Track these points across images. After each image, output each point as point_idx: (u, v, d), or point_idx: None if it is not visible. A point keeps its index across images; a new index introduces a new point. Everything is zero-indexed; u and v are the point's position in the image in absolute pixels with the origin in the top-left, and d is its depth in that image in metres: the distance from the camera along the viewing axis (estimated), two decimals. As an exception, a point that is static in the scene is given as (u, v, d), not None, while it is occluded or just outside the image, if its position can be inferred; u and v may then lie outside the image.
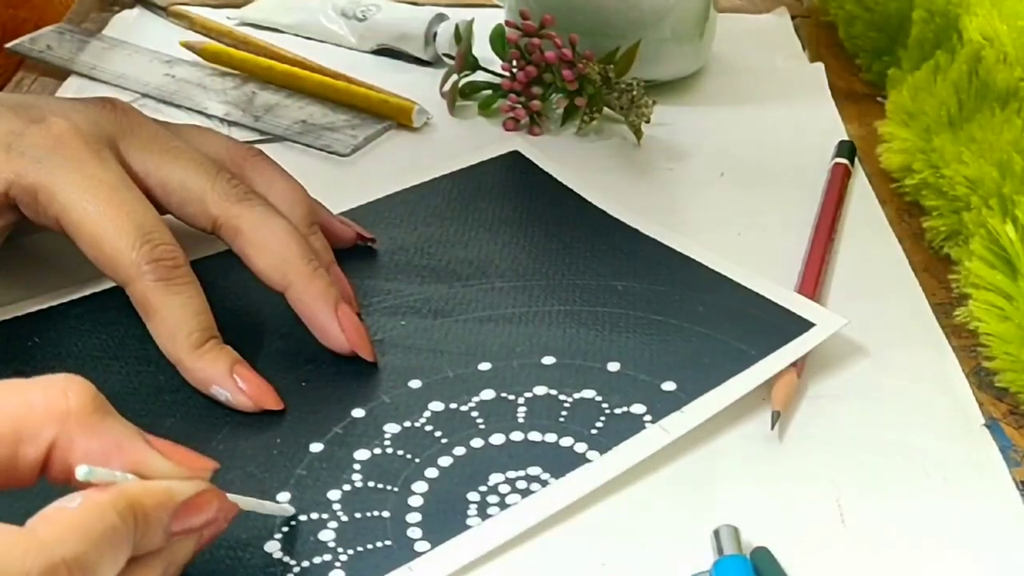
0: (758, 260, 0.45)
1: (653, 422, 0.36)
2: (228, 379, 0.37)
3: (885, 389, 0.39)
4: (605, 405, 0.37)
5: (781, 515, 0.34)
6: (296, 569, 0.31)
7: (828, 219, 0.47)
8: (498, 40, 0.57)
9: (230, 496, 0.30)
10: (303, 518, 0.33)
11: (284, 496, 0.34)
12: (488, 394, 0.38)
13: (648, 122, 0.52)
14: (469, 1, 0.69)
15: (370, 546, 0.32)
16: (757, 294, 0.42)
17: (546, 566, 0.32)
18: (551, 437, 0.36)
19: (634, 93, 0.52)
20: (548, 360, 0.39)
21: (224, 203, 0.39)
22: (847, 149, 0.53)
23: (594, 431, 0.36)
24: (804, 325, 0.40)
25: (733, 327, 0.40)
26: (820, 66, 0.62)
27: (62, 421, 0.27)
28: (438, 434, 0.36)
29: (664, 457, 0.36)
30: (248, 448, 0.35)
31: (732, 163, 0.53)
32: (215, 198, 0.39)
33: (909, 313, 0.43)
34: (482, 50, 0.57)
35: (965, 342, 0.42)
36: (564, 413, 0.37)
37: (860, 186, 0.52)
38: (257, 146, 0.44)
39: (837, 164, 0.51)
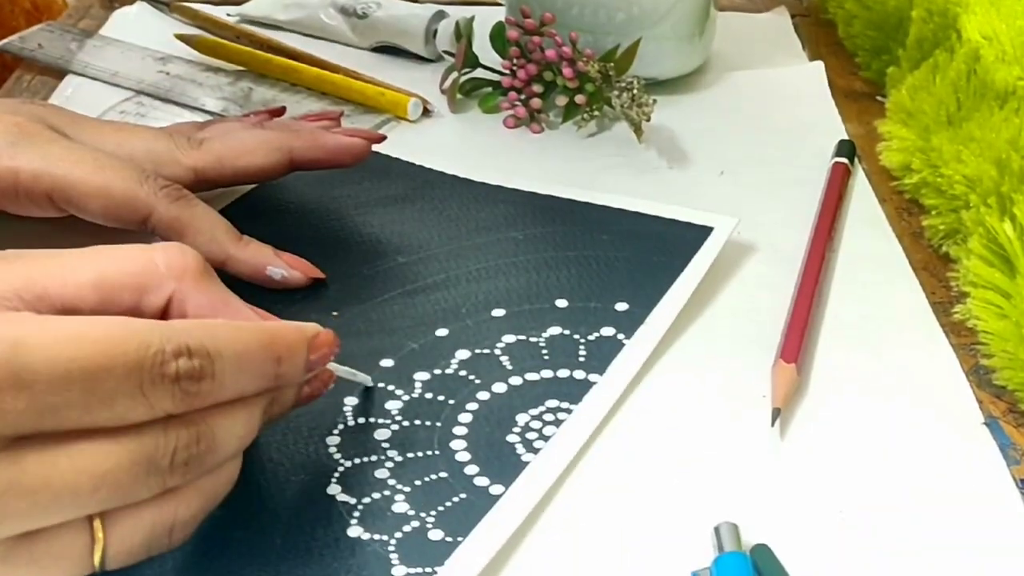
0: (757, 258, 0.46)
1: (628, 338, 0.39)
2: (278, 259, 0.41)
3: (884, 387, 0.39)
4: (577, 336, 0.40)
5: (781, 512, 0.34)
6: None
7: (828, 217, 0.47)
8: (498, 38, 0.57)
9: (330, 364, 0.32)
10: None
11: (335, 488, 0.34)
12: (463, 354, 0.39)
13: (649, 120, 0.52)
14: (469, -2, 0.69)
15: (448, 503, 0.33)
16: (649, 215, 0.46)
17: (545, 564, 0.32)
18: (547, 373, 0.38)
19: (635, 91, 0.52)
20: (498, 312, 0.41)
21: (193, 152, 0.43)
22: (847, 148, 0.53)
23: (581, 359, 0.39)
24: (704, 231, 0.44)
25: (645, 247, 0.44)
26: (820, 65, 0.62)
27: (180, 277, 0.30)
28: (441, 398, 0.37)
29: (664, 454, 0.36)
30: (267, 448, 0.35)
31: (732, 161, 0.53)
32: (185, 152, 0.43)
33: (908, 311, 0.43)
34: (482, 48, 0.57)
35: (964, 340, 0.42)
36: (544, 352, 0.39)
37: (860, 184, 0.52)
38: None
39: (837, 163, 0.51)
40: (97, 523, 0.27)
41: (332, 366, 0.33)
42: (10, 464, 0.25)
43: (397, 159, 0.50)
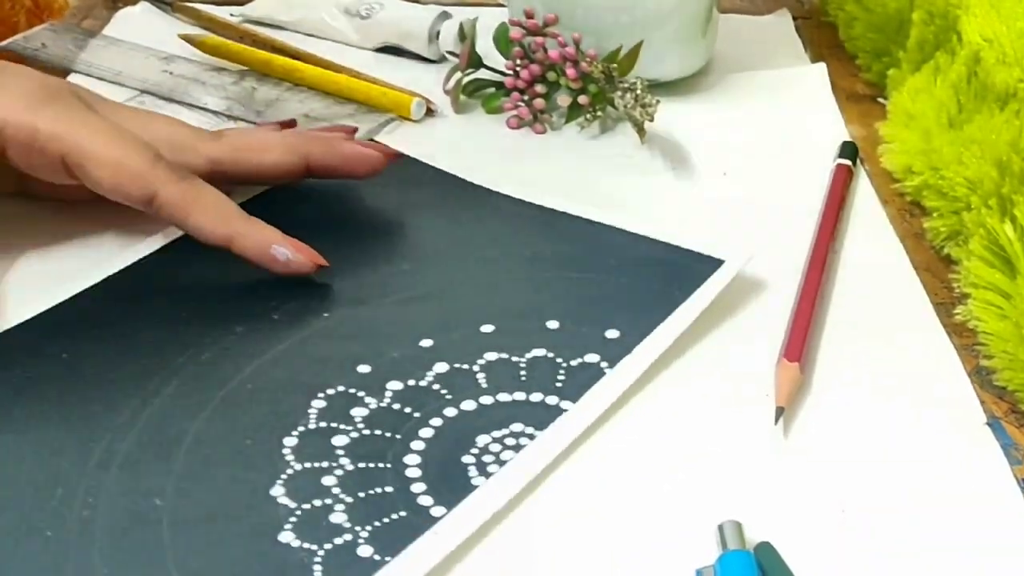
0: (760, 259, 0.46)
1: (610, 367, 0.38)
2: (285, 239, 0.41)
3: (887, 386, 0.39)
4: (560, 360, 0.39)
5: (785, 510, 0.34)
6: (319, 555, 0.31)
7: (830, 219, 0.48)
8: (502, 38, 0.57)
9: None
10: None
11: (279, 491, 0.33)
12: (442, 367, 0.38)
13: (652, 121, 0.52)
14: (472, -1, 0.69)
15: (386, 519, 0.33)
16: (661, 241, 0.44)
17: (552, 560, 0.33)
18: (520, 396, 0.37)
19: (638, 92, 0.52)
20: (487, 328, 0.40)
21: (211, 142, 0.44)
22: (849, 150, 0.53)
23: (559, 384, 0.38)
24: (715, 263, 0.43)
25: (650, 274, 0.43)
26: (822, 66, 0.62)
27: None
28: (408, 410, 0.37)
29: (668, 452, 0.36)
30: (224, 442, 0.35)
31: (734, 163, 0.53)
32: (204, 141, 0.43)
33: (910, 312, 0.44)
34: (486, 48, 0.57)
35: (966, 341, 0.42)
36: (523, 373, 0.38)
37: (862, 186, 0.52)
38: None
39: (839, 165, 0.52)
40: None
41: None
42: None
43: (426, 165, 0.49)
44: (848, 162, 0.52)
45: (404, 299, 0.42)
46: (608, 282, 0.43)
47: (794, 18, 0.70)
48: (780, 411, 0.37)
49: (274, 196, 0.47)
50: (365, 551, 0.31)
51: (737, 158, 0.54)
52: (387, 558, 0.31)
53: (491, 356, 0.39)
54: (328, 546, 0.31)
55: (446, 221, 0.47)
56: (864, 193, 0.51)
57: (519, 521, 0.33)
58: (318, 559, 0.31)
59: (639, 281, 0.42)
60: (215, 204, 0.41)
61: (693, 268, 0.43)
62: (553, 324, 0.40)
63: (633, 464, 0.36)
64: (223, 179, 0.43)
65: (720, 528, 0.33)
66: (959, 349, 0.41)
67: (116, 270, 0.42)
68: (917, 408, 0.39)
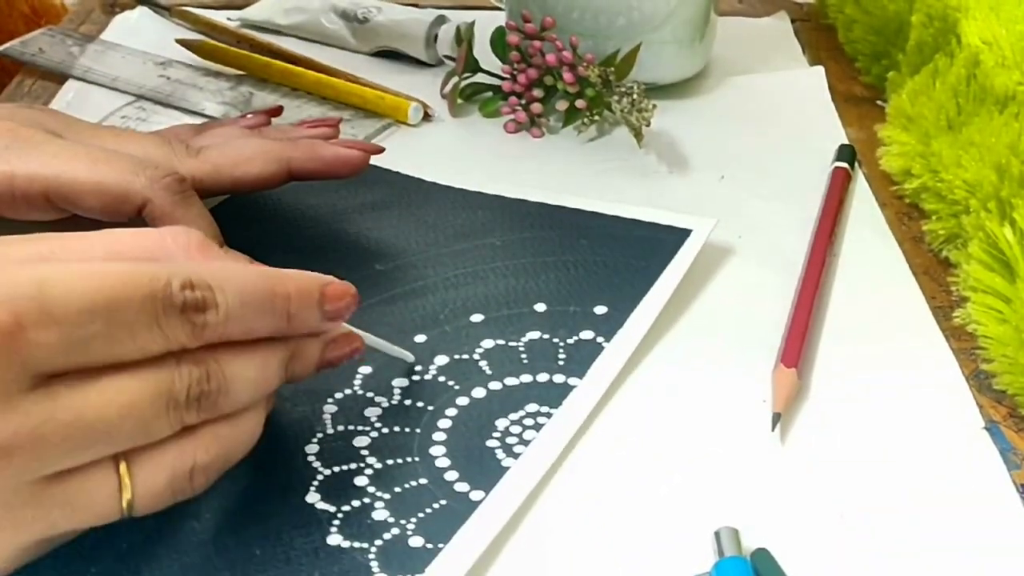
0: (758, 262, 0.46)
1: (607, 341, 0.39)
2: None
3: (885, 391, 0.39)
4: (556, 340, 0.40)
5: (782, 516, 0.34)
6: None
7: (828, 222, 0.47)
8: (499, 42, 0.57)
9: (362, 332, 0.34)
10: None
11: (314, 497, 0.34)
12: (442, 359, 0.39)
13: (649, 125, 0.52)
14: (470, 3, 0.69)
15: (428, 510, 0.33)
16: (627, 218, 0.46)
17: (548, 566, 0.32)
18: (527, 378, 0.38)
19: (635, 96, 0.52)
20: (476, 318, 0.41)
21: (190, 160, 0.42)
22: (847, 153, 0.53)
23: (561, 362, 0.39)
24: (683, 234, 0.44)
25: (624, 250, 0.44)
26: (820, 69, 0.62)
27: (187, 248, 0.32)
28: (420, 404, 0.37)
29: (665, 458, 0.36)
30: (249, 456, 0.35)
31: (732, 166, 0.53)
32: (180, 159, 0.42)
33: (909, 316, 0.43)
34: (483, 52, 0.57)
35: (965, 344, 0.42)
36: (524, 356, 0.39)
37: (860, 189, 0.52)
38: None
39: (837, 168, 0.51)
40: (123, 467, 0.28)
41: (365, 336, 0.34)
42: (46, 400, 0.27)
43: (374, 166, 0.49)
44: (846, 165, 0.52)
45: (386, 299, 0.42)
46: (583, 261, 0.43)
47: (792, 21, 0.69)
48: (777, 417, 0.37)
49: (233, 207, 0.46)
50: (416, 542, 0.32)
51: (734, 161, 0.53)
52: (440, 545, 0.32)
53: (488, 344, 0.40)
54: (379, 542, 0.32)
55: (407, 219, 0.47)
56: (862, 196, 0.51)
57: (513, 527, 0.33)
58: (372, 555, 0.32)
59: (615, 258, 0.43)
60: (199, 228, 0.40)
61: (664, 240, 0.44)
62: (541, 307, 0.41)
63: (629, 470, 0.36)
64: (204, 194, 0.42)
65: (716, 535, 0.33)
66: (957, 353, 0.41)
67: None
68: (915, 412, 0.38)
